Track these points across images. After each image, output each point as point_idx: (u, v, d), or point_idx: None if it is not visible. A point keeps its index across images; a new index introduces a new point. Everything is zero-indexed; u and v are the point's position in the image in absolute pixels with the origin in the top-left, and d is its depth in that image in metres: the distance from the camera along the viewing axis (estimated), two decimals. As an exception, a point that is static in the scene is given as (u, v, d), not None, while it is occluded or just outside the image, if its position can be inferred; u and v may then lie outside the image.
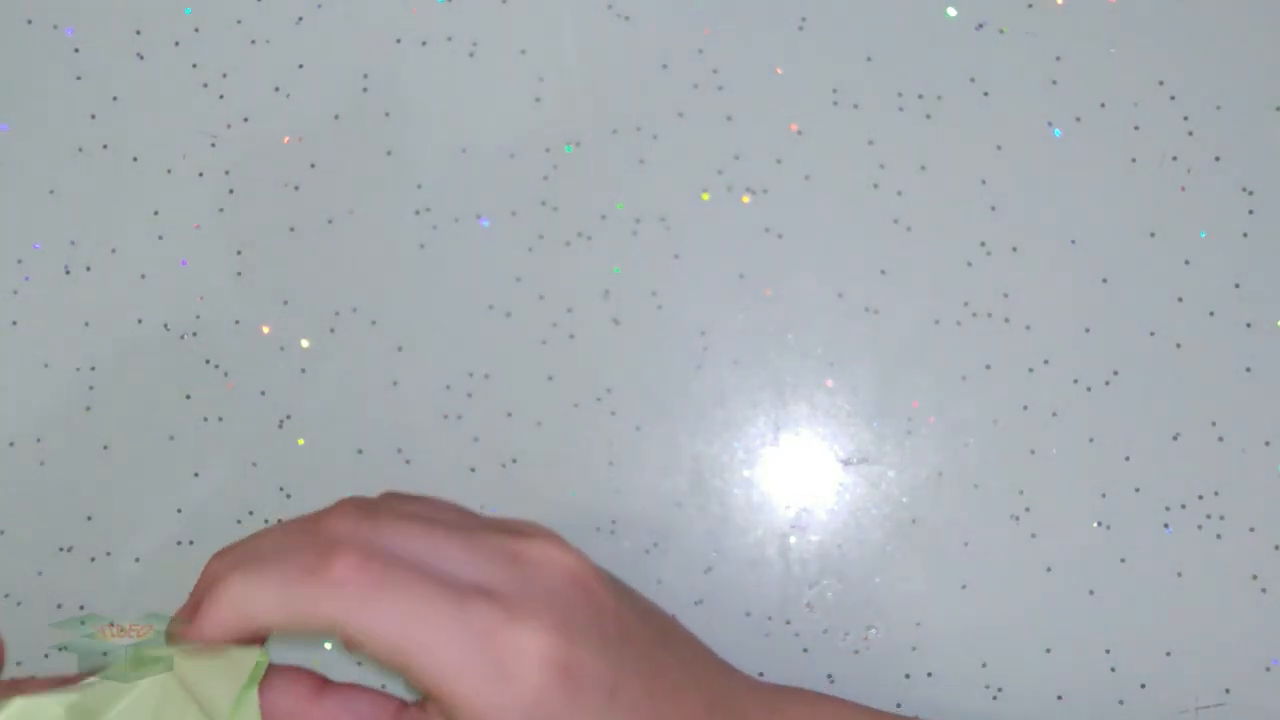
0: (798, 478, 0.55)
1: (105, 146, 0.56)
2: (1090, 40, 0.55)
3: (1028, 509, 0.54)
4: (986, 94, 0.55)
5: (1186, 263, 0.55)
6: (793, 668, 0.55)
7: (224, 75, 0.56)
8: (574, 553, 0.46)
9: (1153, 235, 0.55)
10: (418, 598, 0.43)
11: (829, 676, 0.55)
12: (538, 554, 0.46)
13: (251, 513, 0.56)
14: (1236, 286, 0.55)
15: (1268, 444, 0.55)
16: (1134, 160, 0.55)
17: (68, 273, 0.56)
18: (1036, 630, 0.54)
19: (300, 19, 0.56)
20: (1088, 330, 0.55)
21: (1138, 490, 0.54)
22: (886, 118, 0.55)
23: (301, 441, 0.56)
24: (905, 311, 0.55)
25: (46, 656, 0.55)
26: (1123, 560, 0.54)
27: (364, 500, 0.47)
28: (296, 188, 0.56)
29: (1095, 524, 0.54)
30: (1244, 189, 0.55)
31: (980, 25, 0.55)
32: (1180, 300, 0.55)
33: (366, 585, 0.43)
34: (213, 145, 0.56)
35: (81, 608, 0.56)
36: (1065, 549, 0.54)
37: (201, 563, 0.48)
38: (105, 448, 0.56)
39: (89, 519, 0.56)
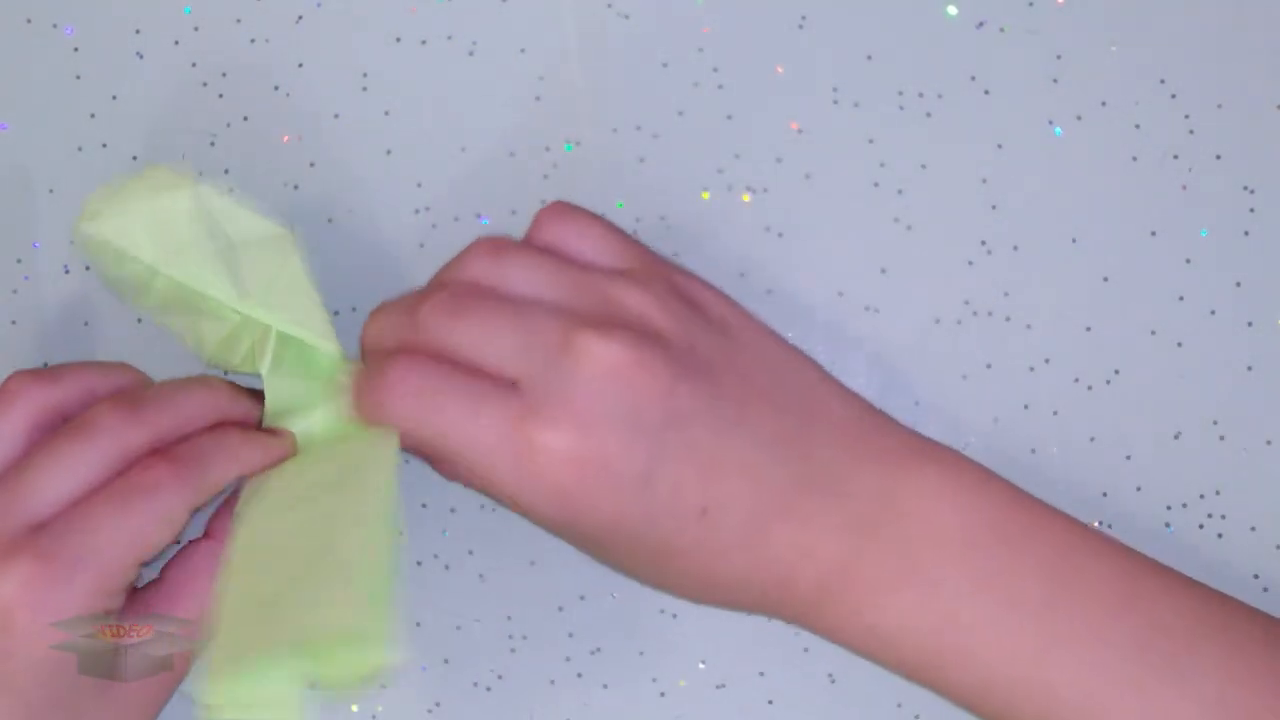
0: (798, 477, 0.55)
1: (105, 146, 0.56)
2: (1091, 38, 0.55)
3: (1028, 508, 0.54)
4: (987, 92, 0.55)
5: (1188, 261, 0.55)
6: (793, 667, 0.55)
7: (224, 75, 0.56)
8: (626, 340, 0.47)
9: (1154, 234, 0.55)
10: (448, 404, 0.47)
11: (829, 676, 0.55)
12: (583, 345, 0.47)
13: (252, 512, 0.55)
14: (1238, 285, 0.55)
15: (1269, 443, 0.54)
16: (1135, 159, 0.55)
17: (67, 272, 0.56)
18: (1037, 630, 0.54)
19: (300, 18, 0.56)
20: (1089, 329, 0.55)
21: (1139, 489, 0.54)
22: (887, 116, 0.55)
23: (301, 441, 0.56)
24: (905, 311, 0.55)
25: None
26: (1124, 560, 0.54)
27: (496, 245, 0.50)
28: (296, 187, 0.56)
29: (1097, 523, 0.54)
30: (1245, 187, 0.55)
31: (981, 24, 0.55)
32: (1181, 299, 0.55)
33: (405, 393, 0.48)
34: (212, 145, 0.56)
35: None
36: (1066, 548, 0.54)
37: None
38: (105, 447, 0.56)
39: (89, 519, 0.56)
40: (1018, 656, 0.48)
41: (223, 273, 0.50)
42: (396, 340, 0.49)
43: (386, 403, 0.48)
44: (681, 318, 0.49)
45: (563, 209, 0.51)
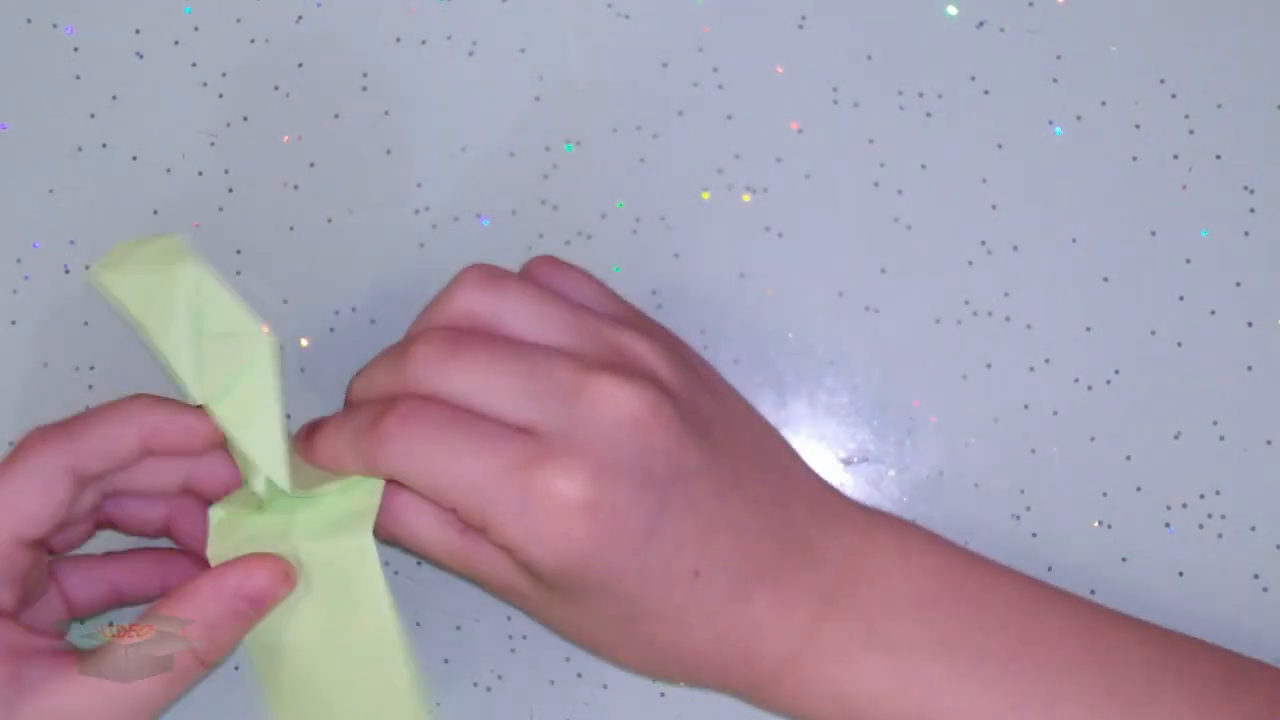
0: (798, 477, 0.55)
1: (105, 146, 0.56)
2: (1091, 38, 0.55)
3: (1028, 509, 0.54)
4: (987, 92, 0.55)
5: (1188, 261, 0.55)
6: (793, 667, 0.55)
7: (224, 75, 0.56)
8: (642, 389, 0.46)
9: (1154, 234, 0.55)
10: (455, 446, 0.45)
11: (829, 676, 0.55)
12: (598, 390, 0.46)
13: (252, 512, 0.55)
14: (1238, 285, 0.55)
15: (1269, 443, 0.54)
16: (1135, 159, 0.55)
17: (67, 272, 0.56)
18: (1037, 630, 0.54)
19: (300, 18, 0.56)
20: (1089, 329, 0.55)
21: (1139, 489, 0.54)
22: (887, 116, 0.55)
23: (302, 441, 0.56)
24: (905, 311, 0.55)
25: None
26: (1124, 560, 0.54)
27: (490, 275, 0.48)
28: (296, 187, 0.56)
29: (1096, 523, 0.54)
30: (1245, 187, 0.55)
31: (981, 24, 0.55)
32: (1181, 299, 0.55)
33: (408, 438, 0.46)
34: (212, 145, 0.56)
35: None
36: (1066, 549, 0.54)
37: (201, 563, 0.49)
38: (105, 448, 0.56)
39: (89, 519, 0.56)
40: (983, 712, 0.47)
41: (190, 363, 0.48)
42: (388, 391, 0.48)
43: (385, 452, 0.46)
44: (683, 373, 0.49)
45: (554, 260, 0.51)
